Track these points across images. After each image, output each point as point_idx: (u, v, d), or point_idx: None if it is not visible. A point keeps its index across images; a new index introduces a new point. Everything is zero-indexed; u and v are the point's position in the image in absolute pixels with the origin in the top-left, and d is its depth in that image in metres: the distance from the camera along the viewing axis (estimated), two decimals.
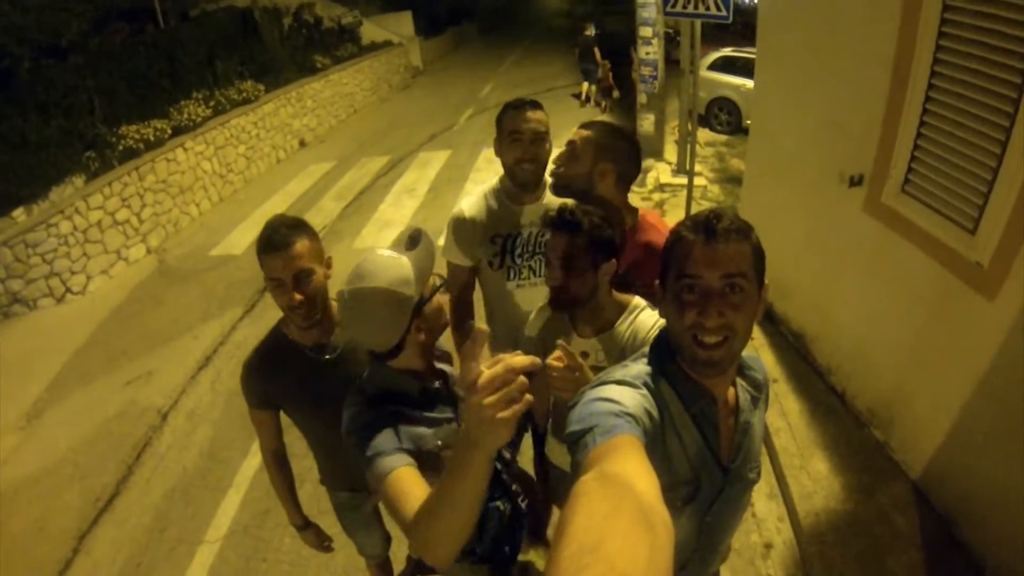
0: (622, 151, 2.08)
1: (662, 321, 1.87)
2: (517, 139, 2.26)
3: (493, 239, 2.37)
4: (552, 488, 2.42)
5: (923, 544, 2.87)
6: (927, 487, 3.06)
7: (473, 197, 2.45)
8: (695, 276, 1.15)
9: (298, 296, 1.83)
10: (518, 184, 2.34)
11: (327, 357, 1.98)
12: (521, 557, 2.00)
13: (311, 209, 8.44)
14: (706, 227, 1.15)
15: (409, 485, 1.30)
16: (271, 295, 1.89)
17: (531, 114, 2.26)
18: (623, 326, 1.89)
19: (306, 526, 2.34)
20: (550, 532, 2.96)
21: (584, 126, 2.13)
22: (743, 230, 1.16)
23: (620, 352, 1.83)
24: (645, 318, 1.88)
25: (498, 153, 2.36)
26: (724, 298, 1.14)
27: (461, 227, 2.40)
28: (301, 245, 1.82)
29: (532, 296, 2.37)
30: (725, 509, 1.37)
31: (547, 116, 2.31)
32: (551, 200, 2.27)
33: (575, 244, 1.77)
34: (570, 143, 2.10)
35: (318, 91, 12.64)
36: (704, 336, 1.15)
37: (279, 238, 1.79)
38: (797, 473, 3.35)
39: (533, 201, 2.39)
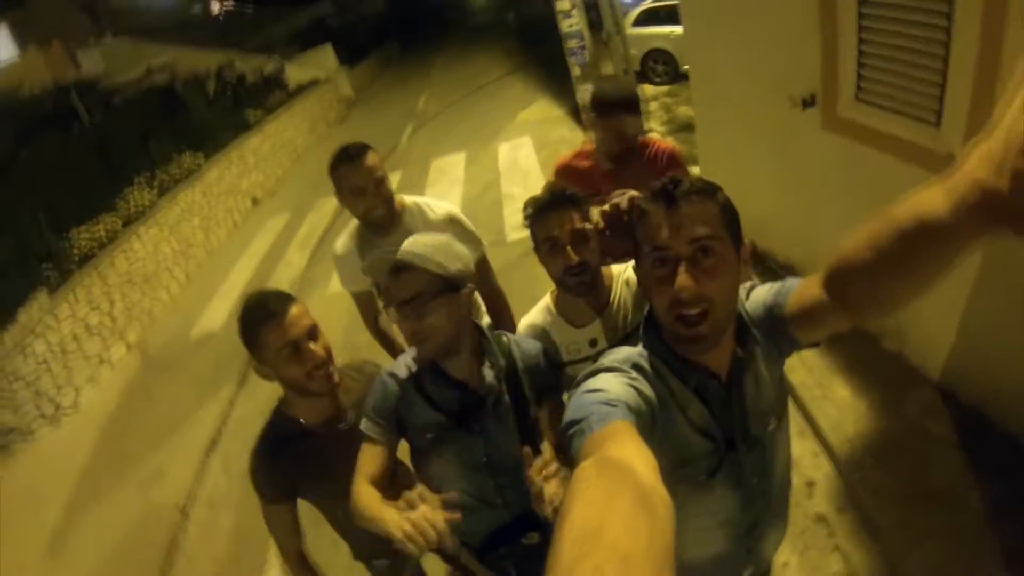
0: None
1: None
2: (357, 193, 2.37)
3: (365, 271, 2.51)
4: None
5: (961, 443, 2.84)
6: (951, 386, 3.04)
7: (343, 237, 2.64)
8: (663, 247, 1.10)
9: (321, 351, 1.73)
10: (375, 226, 2.48)
11: (341, 427, 1.87)
12: None
13: (279, 265, 8.35)
14: (664, 194, 1.11)
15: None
16: (281, 372, 1.74)
17: (364, 163, 2.35)
18: (618, 294, 1.85)
19: None
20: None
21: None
22: (706, 190, 1.12)
23: (627, 321, 1.81)
24: (632, 278, 1.84)
25: (343, 204, 2.47)
26: (696, 264, 1.08)
27: (342, 264, 2.62)
28: (297, 307, 1.73)
29: None
30: (764, 463, 1.34)
31: (376, 152, 2.44)
32: (410, 224, 2.49)
33: (582, 214, 1.74)
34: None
35: (257, 146, 12.49)
36: (684, 310, 1.09)
37: (275, 307, 1.69)
38: (820, 403, 3.30)
39: (393, 232, 2.48)
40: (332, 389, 1.80)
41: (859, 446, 3.02)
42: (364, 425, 1.67)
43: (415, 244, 1.59)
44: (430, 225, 2.54)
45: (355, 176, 2.35)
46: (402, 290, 1.57)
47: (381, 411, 1.67)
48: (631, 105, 2.41)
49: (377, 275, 1.60)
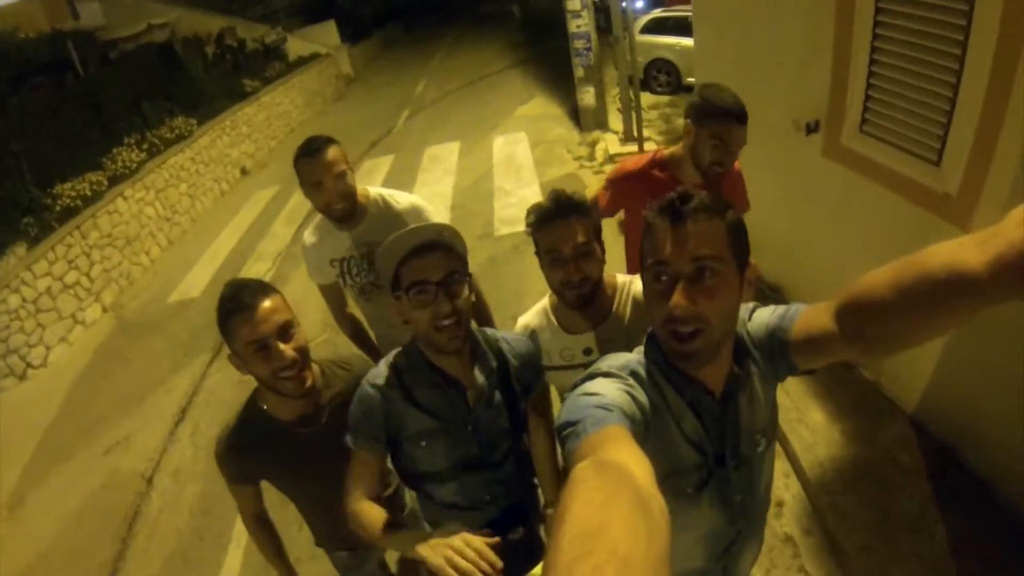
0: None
1: None
2: (318, 188, 2.34)
3: (331, 263, 2.55)
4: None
5: (930, 476, 2.88)
6: (925, 420, 3.08)
7: (311, 227, 2.64)
8: (664, 262, 1.09)
9: (290, 352, 1.61)
10: (338, 219, 2.47)
11: (315, 427, 1.80)
12: None
13: (263, 237, 8.26)
14: (672, 209, 1.10)
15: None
16: (249, 368, 1.64)
17: (324, 157, 2.30)
18: (620, 306, 1.82)
19: None
20: None
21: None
22: (715, 208, 1.10)
23: (626, 335, 1.77)
24: (640, 289, 1.83)
25: (306, 196, 2.44)
26: (696, 283, 1.08)
27: (308, 255, 2.63)
28: (272, 300, 1.62)
29: (377, 303, 2.63)
30: (751, 482, 1.34)
31: (340, 147, 2.37)
32: (375, 215, 2.50)
33: (587, 225, 1.69)
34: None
35: (252, 115, 12.33)
36: (677, 327, 1.09)
37: (248, 298, 1.59)
38: (795, 426, 3.33)
39: (358, 224, 2.50)
40: (303, 392, 1.69)
41: (830, 470, 3.05)
42: (350, 440, 1.62)
43: (433, 225, 1.54)
44: (395, 215, 2.54)
45: (315, 170, 2.31)
46: (434, 269, 1.49)
47: (366, 425, 1.62)
48: (743, 117, 2.23)
49: (397, 256, 1.51)
